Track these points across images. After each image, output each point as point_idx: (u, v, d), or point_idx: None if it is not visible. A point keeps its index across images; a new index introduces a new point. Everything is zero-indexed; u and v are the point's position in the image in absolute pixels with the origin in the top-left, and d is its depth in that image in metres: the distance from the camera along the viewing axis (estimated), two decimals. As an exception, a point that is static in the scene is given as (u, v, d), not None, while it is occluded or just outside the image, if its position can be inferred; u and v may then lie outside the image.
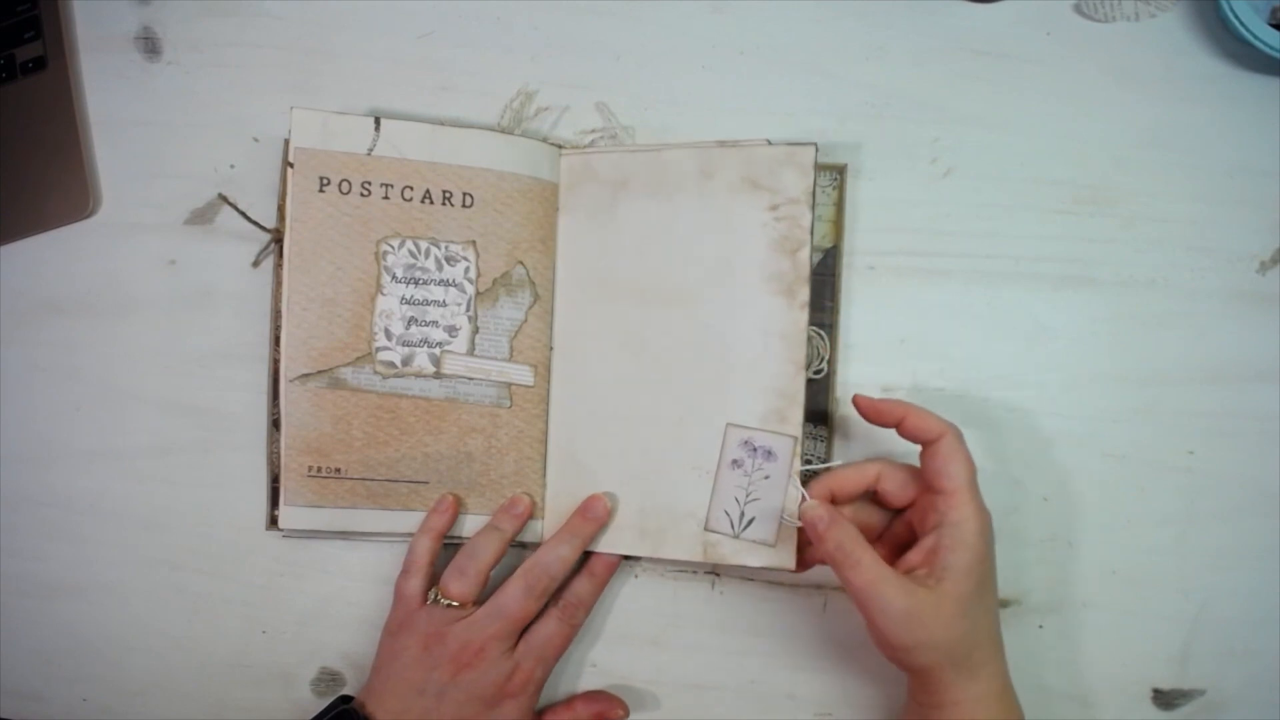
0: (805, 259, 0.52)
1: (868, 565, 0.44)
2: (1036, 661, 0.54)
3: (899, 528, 0.50)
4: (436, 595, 0.51)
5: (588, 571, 0.53)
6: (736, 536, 0.52)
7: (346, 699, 0.52)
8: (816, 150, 0.52)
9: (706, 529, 0.52)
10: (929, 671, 0.45)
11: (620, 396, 0.54)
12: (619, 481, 0.54)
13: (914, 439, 0.48)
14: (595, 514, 0.52)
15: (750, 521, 0.52)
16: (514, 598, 0.50)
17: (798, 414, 0.51)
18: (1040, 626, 0.54)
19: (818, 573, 0.54)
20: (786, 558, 0.51)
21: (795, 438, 0.51)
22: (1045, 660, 0.54)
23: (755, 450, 0.52)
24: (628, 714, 0.54)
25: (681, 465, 0.53)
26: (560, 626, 0.52)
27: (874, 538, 0.50)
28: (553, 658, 0.52)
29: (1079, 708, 0.54)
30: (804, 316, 0.52)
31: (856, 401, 0.50)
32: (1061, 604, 0.54)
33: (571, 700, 0.54)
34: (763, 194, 0.52)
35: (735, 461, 0.52)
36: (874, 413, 0.49)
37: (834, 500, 0.49)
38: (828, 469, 0.51)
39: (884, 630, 0.44)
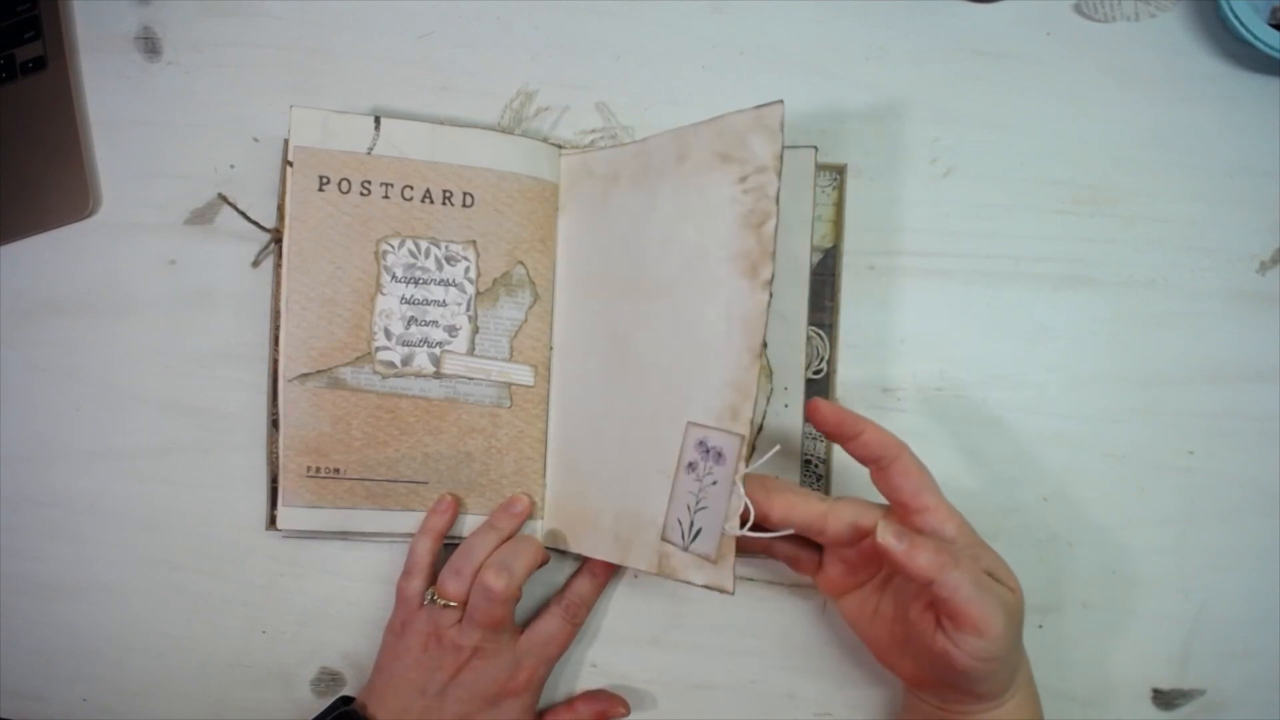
0: (770, 233, 0.44)
1: (969, 570, 0.41)
2: (1036, 661, 0.53)
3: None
4: (433, 596, 0.51)
5: (589, 572, 0.54)
6: (686, 549, 0.46)
7: (347, 699, 0.52)
8: (784, 107, 0.45)
9: (663, 539, 0.47)
10: (978, 675, 0.42)
11: (609, 395, 0.52)
12: (605, 484, 0.51)
13: (869, 456, 0.44)
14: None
15: (698, 533, 0.45)
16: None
17: (748, 409, 0.44)
18: (1040, 626, 0.54)
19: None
20: (725, 577, 0.44)
21: (742, 436, 0.44)
22: (1045, 660, 0.54)
23: (708, 452, 0.45)
24: (629, 712, 0.54)
25: (648, 468, 0.48)
26: (562, 625, 0.52)
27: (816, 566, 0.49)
28: (554, 656, 0.52)
29: (1079, 708, 0.54)
30: (765, 297, 0.44)
31: (816, 406, 0.45)
32: (1061, 604, 0.54)
33: (573, 700, 0.54)
34: (733, 166, 0.46)
35: (691, 464, 0.46)
36: (835, 422, 0.45)
37: (773, 523, 0.44)
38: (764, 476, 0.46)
39: (986, 631, 0.40)
